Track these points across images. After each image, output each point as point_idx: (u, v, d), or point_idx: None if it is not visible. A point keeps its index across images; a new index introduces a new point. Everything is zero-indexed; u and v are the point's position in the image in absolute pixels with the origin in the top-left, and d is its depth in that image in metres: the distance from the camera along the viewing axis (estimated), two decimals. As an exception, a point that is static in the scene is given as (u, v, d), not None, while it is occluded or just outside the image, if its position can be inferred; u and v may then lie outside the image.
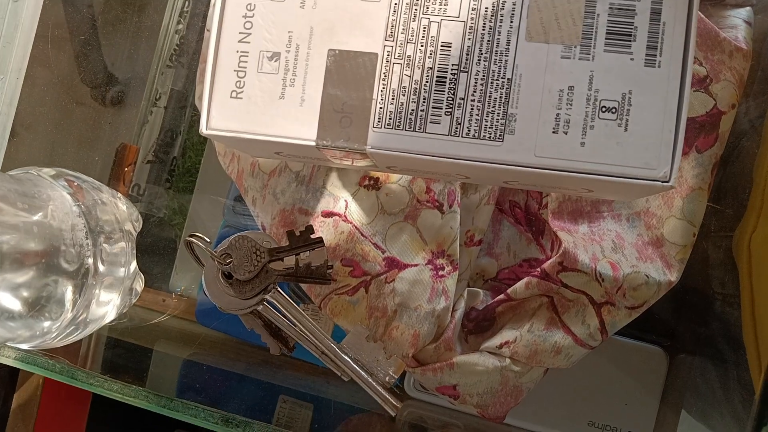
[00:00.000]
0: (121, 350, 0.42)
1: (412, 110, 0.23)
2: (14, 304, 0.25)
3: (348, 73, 0.23)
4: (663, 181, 0.21)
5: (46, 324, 0.25)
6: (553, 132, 0.22)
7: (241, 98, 0.24)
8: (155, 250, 0.42)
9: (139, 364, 0.41)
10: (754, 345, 0.31)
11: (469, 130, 0.22)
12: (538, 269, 0.31)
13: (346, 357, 0.25)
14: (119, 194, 0.28)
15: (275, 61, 0.23)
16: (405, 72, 0.23)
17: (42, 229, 0.23)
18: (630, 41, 0.21)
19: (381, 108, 0.23)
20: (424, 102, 0.23)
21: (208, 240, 0.26)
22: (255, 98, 0.24)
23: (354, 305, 0.32)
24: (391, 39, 0.23)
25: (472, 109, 0.22)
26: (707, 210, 0.32)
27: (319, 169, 0.34)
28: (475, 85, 0.22)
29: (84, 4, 0.44)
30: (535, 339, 0.32)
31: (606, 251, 0.32)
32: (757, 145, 0.33)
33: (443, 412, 0.37)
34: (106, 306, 0.27)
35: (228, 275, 0.26)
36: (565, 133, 0.22)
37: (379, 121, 0.23)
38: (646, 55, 0.21)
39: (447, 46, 0.23)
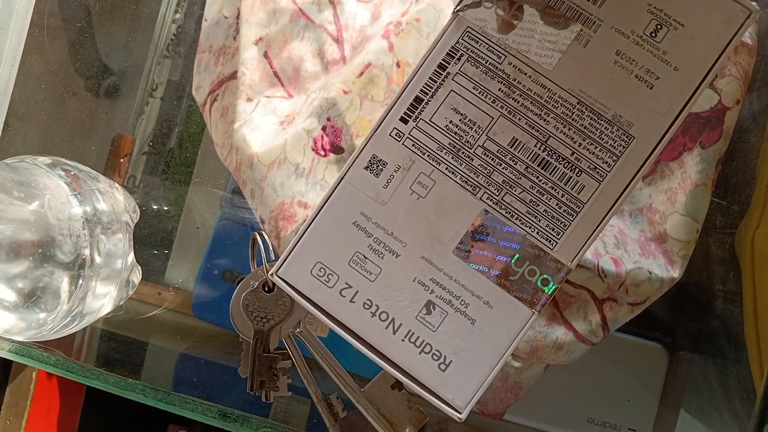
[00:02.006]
0: (116, 343, 0.41)
1: None
2: (9, 295, 0.24)
3: None
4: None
5: (42, 315, 0.25)
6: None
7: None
8: (151, 243, 0.42)
9: (134, 357, 0.41)
10: (756, 342, 0.31)
11: None
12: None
13: (368, 403, 0.25)
14: (116, 184, 0.28)
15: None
16: None
17: (38, 218, 0.22)
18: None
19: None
20: None
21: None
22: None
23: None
24: None
25: None
26: (710, 206, 0.32)
27: (318, 162, 0.34)
28: None
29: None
30: (536, 335, 0.32)
31: (608, 247, 0.32)
32: (761, 142, 0.32)
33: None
34: (103, 298, 0.27)
35: (270, 289, 0.25)
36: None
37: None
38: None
39: None
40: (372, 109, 0.34)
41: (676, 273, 0.31)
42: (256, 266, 0.26)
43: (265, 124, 0.35)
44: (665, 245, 0.32)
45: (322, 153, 0.34)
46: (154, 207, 0.41)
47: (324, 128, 0.33)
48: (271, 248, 0.27)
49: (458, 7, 0.21)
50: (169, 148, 0.44)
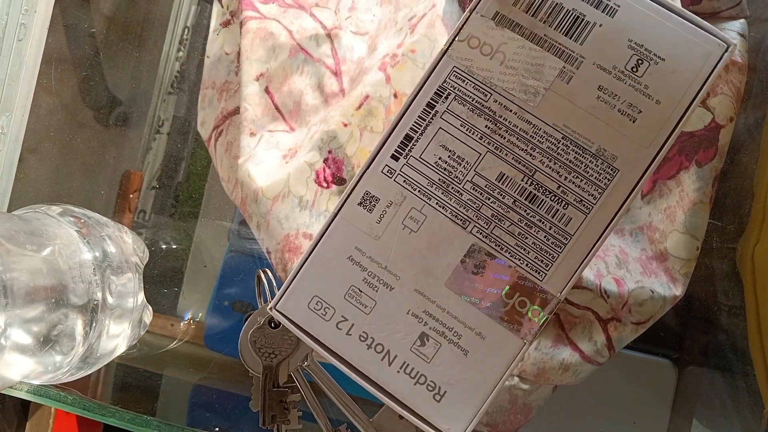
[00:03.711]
0: (131, 377, 0.42)
1: None
2: (26, 339, 0.25)
3: None
4: None
5: (58, 359, 0.26)
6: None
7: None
8: (162, 275, 0.43)
9: (149, 390, 0.41)
10: (762, 358, 0.31)
11: None
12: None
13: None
14: (125, 228, 0.29)
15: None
16: None
17: (50, 266, 0.23)
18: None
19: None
20: None
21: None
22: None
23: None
24: None
25: None
26: (710, 223, 0.32)
27: (321, 194, 0.34)
28: None
29: (85, 33, 0.45)
30: (543, 356, 0.32)
31: (610, 267, 0.32)
32: (756, 158, 0.33)
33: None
34: (116, 338, 0.28)
35: (276, 325, 0.26)
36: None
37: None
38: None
39: None
40: (372, 140, 0.34)
41: (678, 291, 0.31)
42: (263, 302, 0.27)
43: (268, 159, 0.36)
44: (666, 263, 0.32)
45: (325, 185, 0.35)
46: (163, 246, 0.42)
47: (326, 160, 0.34)
48: (274, 285, 0.27)
49: (445, 47, 0.21)
50: (177, 182, 0.45)
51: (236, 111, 0.39)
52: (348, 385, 0.27)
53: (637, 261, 0.32)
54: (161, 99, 0.46)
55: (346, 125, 0.34)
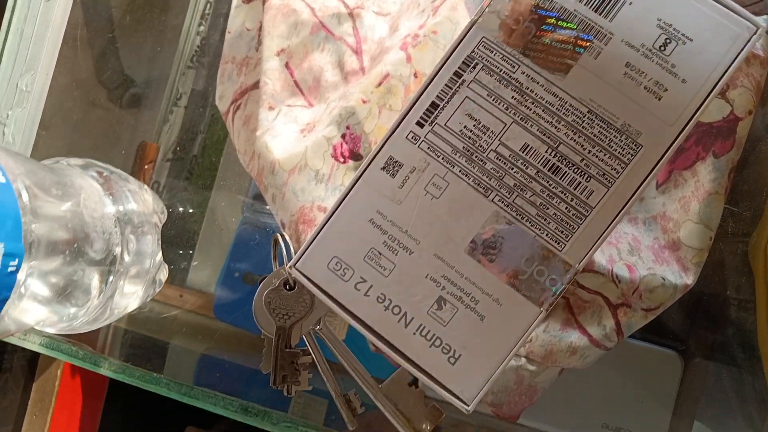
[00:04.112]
0: (138, 344, 0.42)
1: None
2: (43, 290, 0.26)
3: None
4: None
5: (72, 310, 0.26)
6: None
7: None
8: (174, 247, 0.43)
9: (156, 358, 0.42)
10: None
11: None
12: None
13: (385, 400, 0.26)
14: (145, 186, 0.29)
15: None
16: None
17: (74, 217, 0.24)
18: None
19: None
20: None
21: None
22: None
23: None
24: None
25: None
26: (723, 215, 0.33)
27: (338, 169, 0.35)
28: None
29: (105, 5, 0.45)
30: (551, 339, 0.32)
31: (623, 254, 0.32)
32: (773, 151, 0.33)
33: (457, 411, 0.37)
34: (131, 296, 0.28)
35: (291, 287, 0.26)
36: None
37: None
38: None
39: None
40: (390, 118, 0.34)
41: (689, 280, 0.32)
42: (277, 266, 0.27)
43: (286, 132, 0.36)
44: (679, 252, 0.32)
45: (342, 160, 0.35)
46: (180, 209, 0.43)
47: (343, 136, 0.34)
48: (291, 249, 0.28)
49: (475, 18, 0.22)
50: (193, 155, 0.45)
51: (255, 86, 0.39)
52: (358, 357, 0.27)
53: (649, 249, 0.32)
54: (180, 72, 0.46)
55: (365, 102, 0.35)
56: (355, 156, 0.34)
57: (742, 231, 0.34)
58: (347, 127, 0.35)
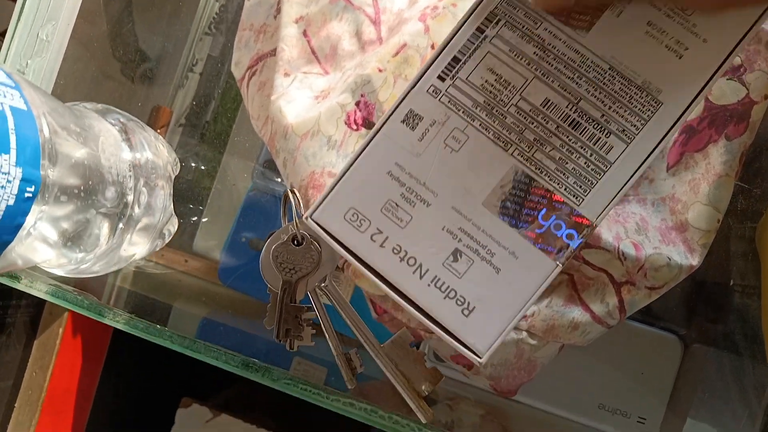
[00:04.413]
0: (141, 307, 0.42)
1: None
2: (53, 234, 0.26)
3: None
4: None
5: (79, 255, 0.26)
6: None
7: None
8: (182, 212, 0.43)
9: (159, 320, 0.42)
10: (772, 333, 0.31)
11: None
12: (562, 245, 0.32)
13: (386, 359, 0.26)
14: (160, 136, 0.29)
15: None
16: None
17: (91, 159, 0.24)
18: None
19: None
20: None
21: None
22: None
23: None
24: None
25: None
26: (732, 201, 0.33)
27: (350, 136, 0.35)
28: None
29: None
30: (553, 314, 0.32)
31: (630, 232, 0.32)
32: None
33: (455, 385, 0.37)
34: (139, 244, 0.28)
35: (299, 242, 0.26)
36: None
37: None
38: None
39: None
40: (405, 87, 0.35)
41: (695, 261, 0.32)
42: (287, 221, 0.27)
43: (300, 98, 0.36)
44: (686, 234, 0.32)
45: (355, 127, 0.35)
46: (189, 176, 0.43)
47: (357, 103, 0.35)
48: (301, 206, 0.28)
49: None
50: (205, 121, 0.45)
51: (272, 53, 0.40)
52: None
53: (656, 229, 0.33)
54: (197, 39, 0.46)
55: (380, 71, 0.35)
56: (368, 124, 0.35)
57: (749, 216, 0.34)
58: (362, 95, 0.35)
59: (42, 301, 0.44)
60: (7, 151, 0.19)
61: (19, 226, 0.21)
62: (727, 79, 0.32)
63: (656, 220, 0.33)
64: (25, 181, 0.20)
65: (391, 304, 0.34)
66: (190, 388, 0.56)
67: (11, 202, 0.20)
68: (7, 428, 0.44)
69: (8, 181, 0.19)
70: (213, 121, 0.45)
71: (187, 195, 0.43)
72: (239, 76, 0.40)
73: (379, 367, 0.31)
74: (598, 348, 0.36)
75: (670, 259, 0.31)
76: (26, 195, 0.20)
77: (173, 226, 0.30)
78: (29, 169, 0.20)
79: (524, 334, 0.33)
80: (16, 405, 0.44)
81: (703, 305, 0.37)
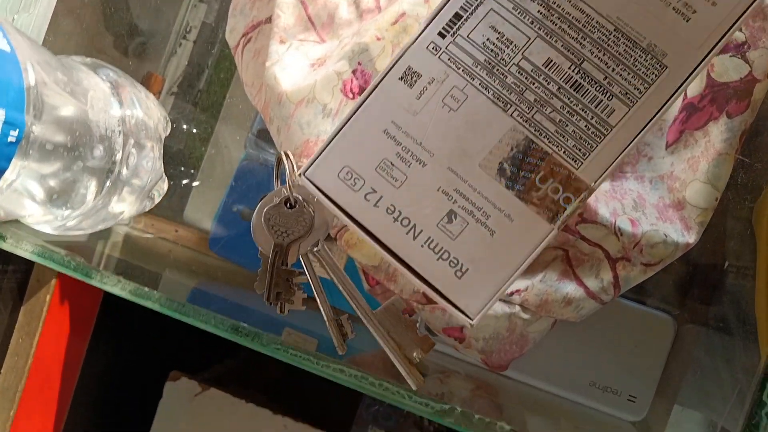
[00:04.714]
0: (130, 275, 0.42)
1: None
2: (37, 188, 0.25)
3: None
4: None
5: (66, 212, 0.25)
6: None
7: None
8: (173, 180, 0.42)
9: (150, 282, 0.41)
10: (766, 314, 0.31)
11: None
12: (557, 219, 0.31)
13: (377, 324, 0.25)
14: (151, 95, 0.28)
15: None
16: None
17: (79, 115, 0.23)
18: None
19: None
20: None
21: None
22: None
23: (369, 239, 0.32)
24: None
25: None
26: (730, 181, 0.32)
27: (346, 105, 0.34)
28: None
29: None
30: (547, 288, 0.32)
31: (627, 209, 0.32)
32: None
33: (446, 360, 0.37)
34: (125, 203, 0.27)
35: (291, 204, 0.26)
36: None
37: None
38: None
39: None
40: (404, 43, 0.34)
41: (691, 239, 0.32)
42: (279, 184, 0.27)
43: (296, 65, 0.35)
44: (683, 212, 0.32)
45: (351, 96, 0.34)
46: (181, 145, 0.42)
47: (354, 72, 0.34)
48: (295, 167, 0.27)
49: None
50: (198, 89, 0.44)
51: (267, 20, 0.39)
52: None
53: (654, 207, 0.32)
54: (192, 5, 0.45)
55: (378, 39, 0.34)
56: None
57: (747, 198, 0.34)
58: (359, 63, 0.34)
59: (29, 268, 0.44)
60: (-12, 91, 0.18)
61: (2, 171, 0.20)
62: (730, 56, 0.31)
63: (654, 197, 0.33)
64: (8, 124, 0.19)
65: (384, 276, 0.34)
66: (180, 362, 0.56)
67: (-7, 145, 0.19)
68: (-7, 394, 0.43)
69: (-11, 123, 0.18)
70: (206, 89, 0.44)
71: (178, 165, 0.43)
72: (234, 43, 0.40)
73: (369, 339, 0.31)
74: (591, 326, 0.36)
75: (666, 236, 0.31)
76: (9, 139, 0.19)
77: (162, 188, 0.30)
78: (12, 112, 0.19)
79: (517, 308, 0.33)
80: (1, 371, 0.43)
81: (698, 286, 0.37)
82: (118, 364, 0.57)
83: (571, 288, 0.32)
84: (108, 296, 0.51)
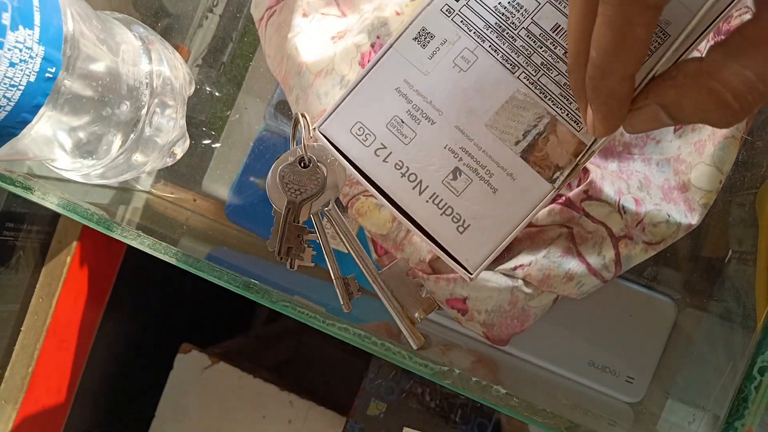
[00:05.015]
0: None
1: None
2: (67, 142, 0.26)
3: None
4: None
5: (91, 162, 0.27)
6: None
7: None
8: (193, 150, 0.44)
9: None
10: (764, 295, 0.31)
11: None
12: (563, 197, 0.32)
13: (382, 284, 0.26)
14: (178, 55, 0.30)
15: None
16: None
17: (111, 66, 0.24)
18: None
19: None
20: None
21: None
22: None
23: (379, 208, 0.33)
24: None
25: None
26: (733, 166, 0.33)
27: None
28: None
29: None
30: (550, 264, 0.33)
31: (632, 188, 0.33)
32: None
33: (446, 333, 0.38)
34: (148, 157, 0.29)
35: (305, 165, 0.27)
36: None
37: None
38: None
39: None
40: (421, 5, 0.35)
41: (694, 220, 0.32)
42: (295, 145, 0.28)
43: (317, 37, 0.37)
44: (687, 194, 0.33)
45: (368, 69, 0.35)
46: (203, 116, 0.43)
47: (373, 45, 0.35)
48: (310, 131, 0.28)
49: None
50: (222, 62, 0.46)
51: (291, -5, 0.40)
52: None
53: (659, 188, 0.33)
54: (219, -21, 0.47)
55: (398, 14, 0.35)
56: (382, 67, 0.35)
57: (751, 184, 0.35)
58: (378, 37, 0.35)
59: (52, 229, 0.45)
60: (31, 27, 0.19)
61: (39, 106, 0.21)
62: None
63: (660, 179, 0.33)
64: (46, 60, 0.20)
65: (392, 245, 0.35)
66: (191, 336, 0.58)
67: (32, 78, 0.20)
68: (14, 350, 0.45)
69: (30, 57, 0.19)
70: (230, 63, 0.46)
71: (199, 137, 0.44)
72: (258, 16, 0.41)
73: (374, 310, 0.32)
74: (592, 306, 0.37)
75: (669, 216, 0.32)
76: (47, 75, 0.21)
77: (184, 145, 0.31)
78: (51, 50, 0.20)
79: (520, 282, 0.33)
80: (22, 328, 0.45)
81: (701, 271, 0.37)
82: (132, 334, 0.59)
83: (573, 264, 0.33)
84: (125, 265, 0.52)
